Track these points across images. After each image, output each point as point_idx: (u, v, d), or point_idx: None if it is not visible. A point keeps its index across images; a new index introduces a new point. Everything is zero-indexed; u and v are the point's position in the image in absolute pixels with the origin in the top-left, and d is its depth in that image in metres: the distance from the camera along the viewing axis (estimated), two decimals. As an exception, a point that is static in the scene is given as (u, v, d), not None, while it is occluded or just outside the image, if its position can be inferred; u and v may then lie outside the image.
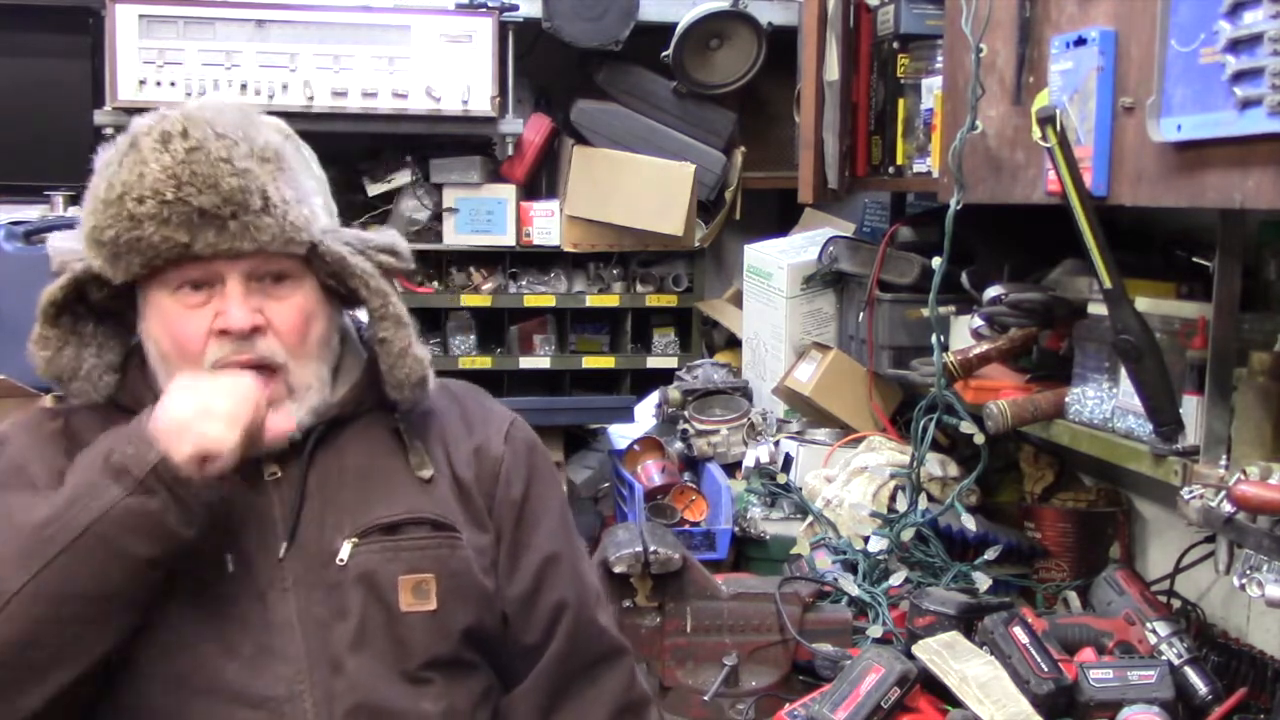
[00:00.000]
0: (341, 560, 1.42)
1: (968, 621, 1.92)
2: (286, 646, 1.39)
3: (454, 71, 3.21)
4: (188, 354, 1.41)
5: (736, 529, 2.50)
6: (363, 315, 1.56)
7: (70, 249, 1.47)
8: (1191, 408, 1.78)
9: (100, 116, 3.12)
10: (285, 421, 1.42)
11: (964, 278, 2.35)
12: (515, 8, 3.30)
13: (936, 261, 2.11)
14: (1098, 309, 1.93)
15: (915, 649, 1.86)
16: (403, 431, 1.52)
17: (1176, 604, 2.06)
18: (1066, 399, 2.06)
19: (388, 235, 1.55)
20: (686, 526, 2.54)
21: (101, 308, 1.47)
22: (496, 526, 1.53)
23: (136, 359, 1.49)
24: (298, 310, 1.44)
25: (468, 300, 3.47)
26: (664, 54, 3.39)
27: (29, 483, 1.40)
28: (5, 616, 1.27)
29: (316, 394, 1.47)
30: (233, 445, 1.33)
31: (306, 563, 1.42)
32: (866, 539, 2.29)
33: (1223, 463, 1.69)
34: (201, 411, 1.32)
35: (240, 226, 1.38)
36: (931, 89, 2.39)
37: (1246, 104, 1.39)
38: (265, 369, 1.42)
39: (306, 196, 1.45)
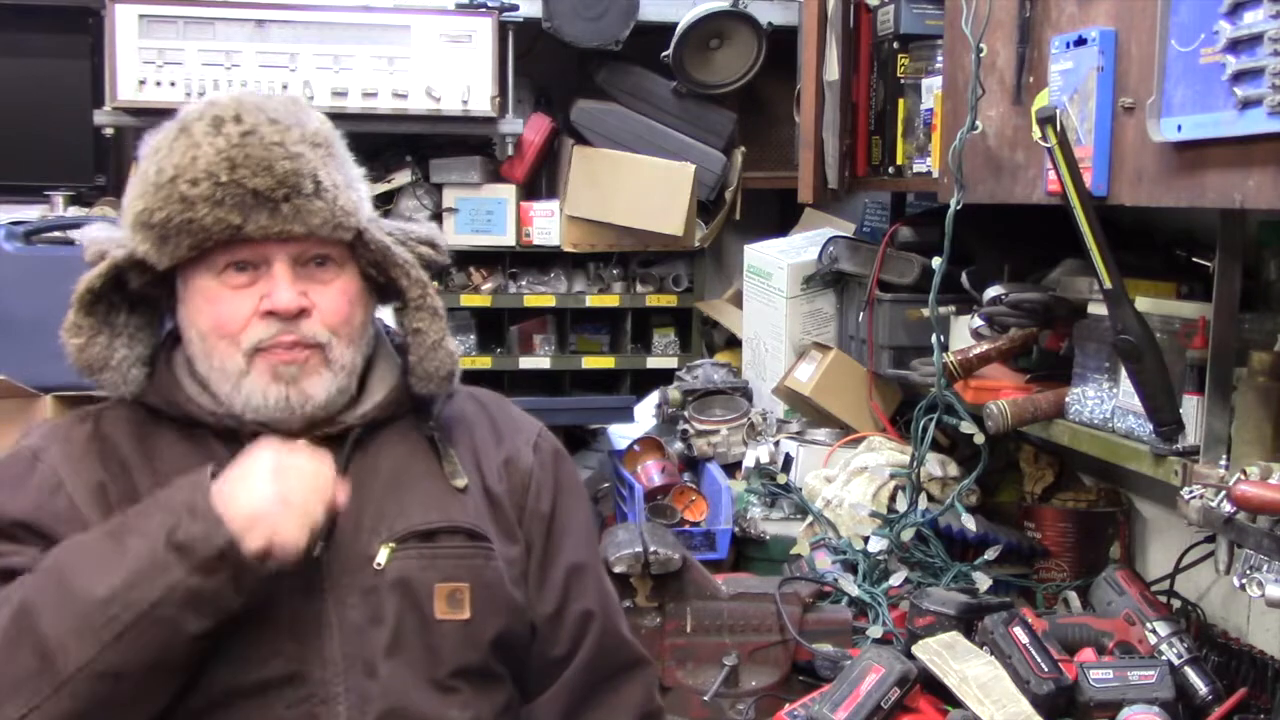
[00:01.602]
0: (379, 565, 1.43)
1: (968, 621, 1.92)
2: (324, 648, 1.39)
3: (454, 71, 3.20)
4: (228, 334, 1.41)
5: (736, 529, 2.49)
6: (386, 315, 1.57)
7: (106, 237, 1.47)
8: (1191, 408, 1.78)
9: (100, 116, 3.12)
10: (341, 494, 1.41)
11: (964, 278, 2.35)
12: (515, 8, 3.29)
13: (936, 261, 2.11)
14: (1098, 309, 1.93)
15: (915, 649, 1.86)
16: (438, 440, 1.52)
17: (1176, 604, 2.06)
18: (1066, 399, 2.06)
19: (427, 228, 1.58)
20: (686, 526, 2.53)
21: (136, 295, 1.47)
22: (526, 539, 1.54)
23: (164, 357, 1.50)
24: (342, 294, 1.46)
25: (467, 300, 3.47)
26: (664, 54, 3.38)
27: (68, 502, 1.40)
28: (66, 694, 1.27)
29: (348, 376, 1.47)
30: (302, 544, 1.33)
31: (343, 564, 1.42)
32: (866, 539, 2.29)
33: (1223, 463, 1.69)
34: (280, 503, 1.31)
35: (292, 209, 1.39)
36: (931, 89, 2.39)
37: (1246, 104, 1.39)
38: (308, 347, 1.43)
39: (354, 182, 1.47)
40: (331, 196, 1.42)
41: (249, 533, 1.29)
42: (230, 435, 1.45)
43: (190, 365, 1.49)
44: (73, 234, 1.53)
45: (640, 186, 3.42)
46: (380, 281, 1.51)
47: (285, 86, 3.09)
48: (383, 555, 1.43)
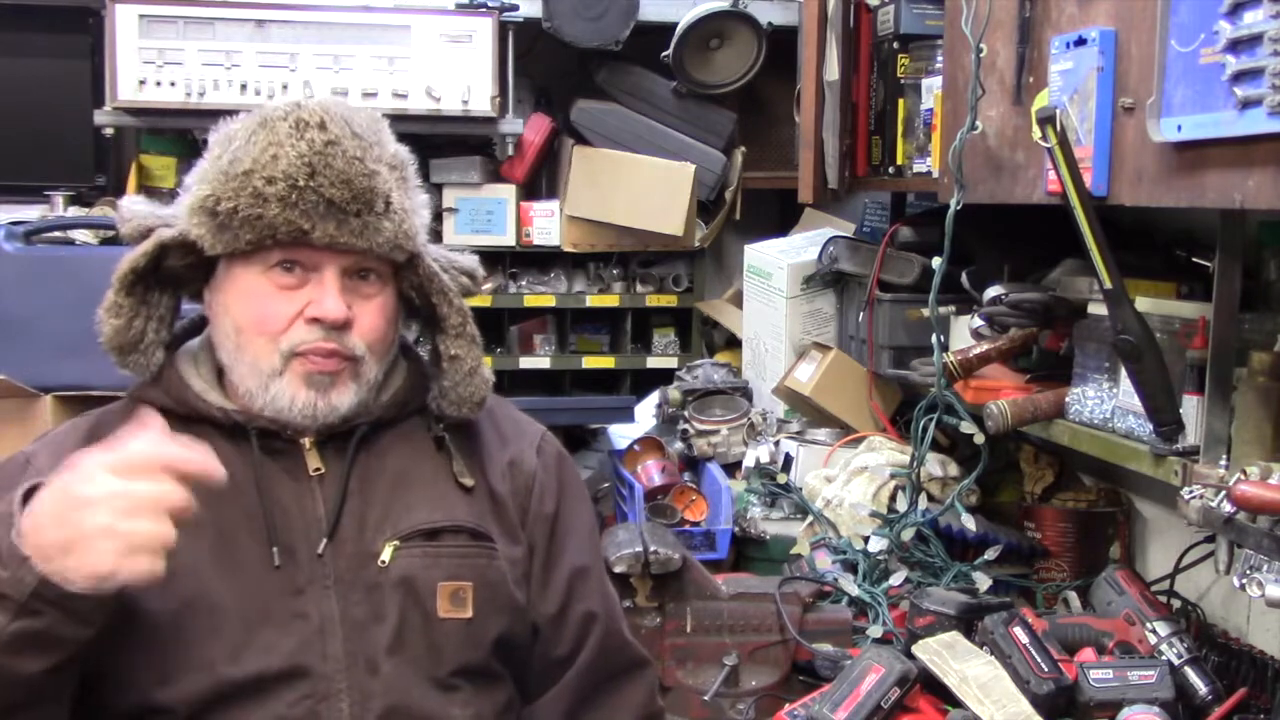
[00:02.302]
0: (383, 562, 1.44)
1: (968, 621, 1.92)
2: (327, 645, 1.39)
3: (454, 71, 3.20)
4: (268, 332, 1.42)
5: (736, 529, 2.49)
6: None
7: (148, 212, 1.47)
8: (1191, 408, 1.78)
9: (100, 116, 3.12)
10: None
11: (964, 278, 2.35)
12: (515, 8, 3.29)
13: (936, 261, 2.11)
14: (1098, 309, 1.93)
15: (915, 649, 1.86)
16: (449, 441, 1.53)
17: (1176, 604, 2.06)
18: (1066, 399, 2.06)
19: (470, 260, 1.62)
20: (686, 526, 2.53)
21: (164, 276, 1.47)
22: (529, 540, 1.55)
23: (171, 353, 1.50)
24: (381, 311, 1.48)
25: (467, 300, 3.46)
26: (664, 54, 3.38)
27: None
28: None
29: (371, 391, 1.49)
30: (139, 569, 1.19)
31: (347, 561, 1.43)
32: (866, 539, 2.29)
33: (1223, 463, 1.69)
34: (94, 529, 1.17)
35: (361, 225, 1.41)
36: (931, 89, 2.39)
37: (1246, 104, 1.39)
38: (345, 358, 1.44)
39: (419, 208, 1.51)
40: (399, 219, 1.45)
41: (62, 567, 1.18)
42: (237, 432, 1.45)
43: (196, 363, 1.50)
44: (121, 201, 1.52)
45: (640, 186, 3.42)
46: (415, 303, 1.53)
47: (285, 86, 3.09)
48: (387, 553, 1.44)
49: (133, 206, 1.49)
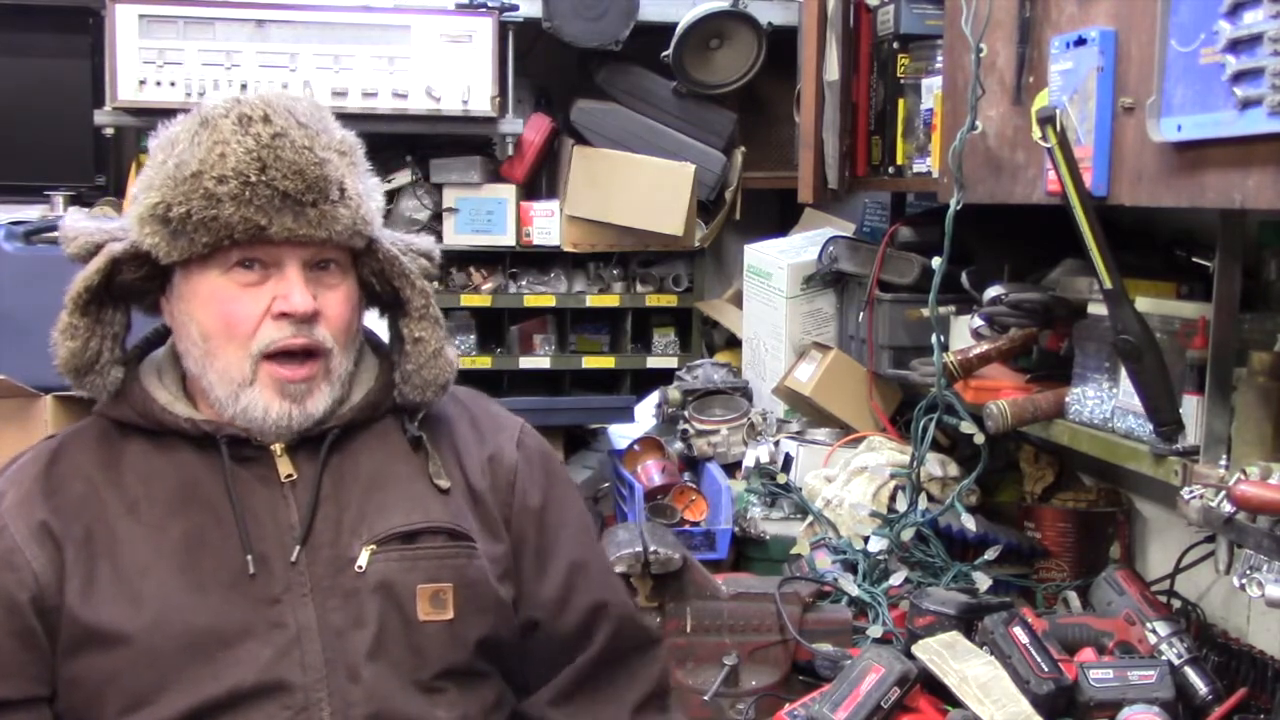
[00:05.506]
0: (360, 567, 1.41)
1: (968, 621, 1.92)
2: (305, 654, 1.38)
3: (454, 71, 3.21)
4: (238, 335, 1.40)
5: (736, 529, 2.49)
6: (370, 320, 1.57)
7: (94, 228, 1.45)
8: (1191, 408, 1.78)
9: (100, 116, 3.12)
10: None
11: (964, 278, 2.35)
12: (515, 8, 3.30)
13: (936, 261, 2.11)
14: (1098, 309, 1.93)
15: (915, 649, 1.86)
16: (425, 441, 1.51)
17: (1176, 604, 2.06)
18: (1066, 399, 2.06)
19: (426, 241, 1.59)
20: (686, 526, 2.53)
21: (118, 291, 1.44)
22: (517, 535, 1.53)
23: (134, 367, 1.48)
24: (345, 300, 1.46)
25: (467, 300, 3.47)
26: (664, 54, 3.39)
27: (11, 543, 1.38)
28: None
29: (343, 385, 1.47)
30: None
31: (324, 568, 1.41)
32: (866, 539, 2.29)
33: (1223, 463, 1.69)
34: None
35: (318, 215, 1.39)
36: (931, 89, 2.39)
37: (1246, 104, 1.39)
38: (315, 353, 1.43)
39: (372, 192, 1.48)
40: (355, 205, 1.42)
41: None
42: (206, 442, 1.43)
43: (161, 374, 1.48)
44: (64, 219, 1.51)
45: (640, 186, 3.42)
46: (375, 289, 1.51)
47: (285, 86, 3.09)
48: (364, 558, 1.42)
49: (76, 225, 1.46)
